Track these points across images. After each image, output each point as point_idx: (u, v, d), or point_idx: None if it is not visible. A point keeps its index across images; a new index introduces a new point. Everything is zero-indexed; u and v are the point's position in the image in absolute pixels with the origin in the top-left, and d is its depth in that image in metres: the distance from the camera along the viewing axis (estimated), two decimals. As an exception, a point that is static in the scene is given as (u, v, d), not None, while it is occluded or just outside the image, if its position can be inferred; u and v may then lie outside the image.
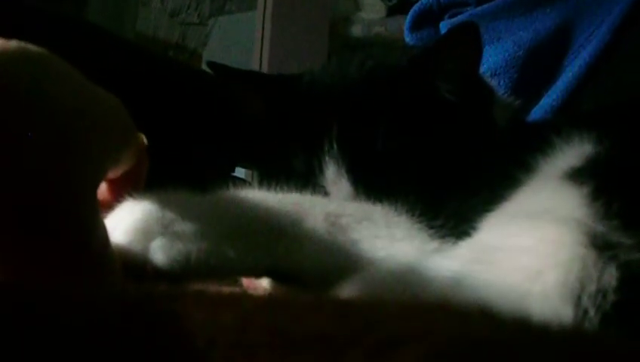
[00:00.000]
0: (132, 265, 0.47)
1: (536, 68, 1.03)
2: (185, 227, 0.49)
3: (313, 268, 0.52)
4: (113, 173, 0.51)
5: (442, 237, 0.56)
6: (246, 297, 0.42)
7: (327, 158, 0.69)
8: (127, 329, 0.29)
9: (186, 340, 0.28)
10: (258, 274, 0.50)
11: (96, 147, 0.44)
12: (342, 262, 0.53)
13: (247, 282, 0.55)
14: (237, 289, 0.48)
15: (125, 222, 0.49)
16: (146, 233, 0.49)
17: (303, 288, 0.51)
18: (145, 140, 0.55)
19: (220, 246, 0.50)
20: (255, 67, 3.05)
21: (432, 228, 0.57)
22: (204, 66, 3.20)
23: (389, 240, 0.55)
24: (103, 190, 0.53)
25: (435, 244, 0.56)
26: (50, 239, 0.40)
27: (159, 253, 0.48)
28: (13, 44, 0.41)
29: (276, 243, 0.52)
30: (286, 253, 0.52)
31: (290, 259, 0.52)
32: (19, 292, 0.31)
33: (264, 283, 0.50)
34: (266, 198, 0.57)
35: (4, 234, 0.38)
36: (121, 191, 0.53)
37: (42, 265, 0.39)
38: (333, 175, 0.69)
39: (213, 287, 0.46)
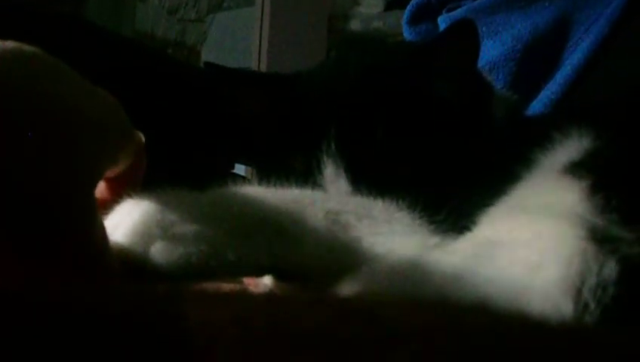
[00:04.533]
0: (131, 267, 0.47)
1: (534, 61, 1.02)
2: (184, 229, 0.49)
3: (314, 265, 0.52)
4: (111, 172, 0.51)
5: (443, 232, 0.56)
6: (246, 295, 0.42)
7: (325, 157, 0.69)
8: (127, 328, 0.29)
9: (186, 338, 0.28)
10: (259, 274, 0.50)
11: (93, 145, 0.44)
12: (342, 259, 0.53)
13: (247, 279, 0.55)
14: (237, 287, 0.48)
15: (124, 224, 0.49)
16: (146, 236, 0.49)
17: (304, 286, 0.51)
18: (143, 138, 0.54)
19: (219, 248, 0.50)
20: (254, 63, 3.05)
21: (432, 223, 0.57)
22: (202, 63, 3.21)
23: (390, 236, 0.55)
24: (101, 189, 0.53)
25: (435, 240, 0.56)
26: (47, 237, 0.40)
27: (159, 256, 0.48)
28: (8, 44, 0.41)
29: (276, 242, 0.52)
30: (286, 251, 0.52)
31: (290, 258, 0.52)
32: (16, 291, 0.31)
33: (265, 281, 0.50)
34: (266, 196, 0.56)
35: None
36: (120, 189, 0.53)
37: (38, 264, 0.39)
38: (332, 174, 0.69)
39: (212, 285, 0.46)
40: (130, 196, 0.52)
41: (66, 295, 0.31)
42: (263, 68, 3.00)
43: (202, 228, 0.50)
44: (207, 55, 3.65)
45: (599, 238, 0.46)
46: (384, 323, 0.29)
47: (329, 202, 0.58)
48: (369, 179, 0.66)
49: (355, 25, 3.53)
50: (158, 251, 0.48)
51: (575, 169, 0.54)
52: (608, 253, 0.45)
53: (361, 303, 0.35)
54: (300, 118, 0.74)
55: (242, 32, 3.42)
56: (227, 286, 0.47)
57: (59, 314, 0.29)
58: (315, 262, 0.52)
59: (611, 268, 0.45)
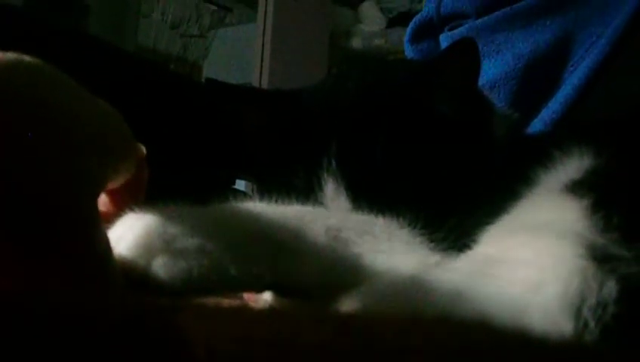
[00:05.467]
0: (134, 280, 0.47)
1: (535, 80, 1.03)
2: (186, 243, 0.49)
3: (314, 281, 0.52)
4: (113, 184, 0.51)
5: (443, 250, 0.56)
6: (246, 310, 0.42)
7: (326, 175, 0.69)
8: (128, 341, 0.29)
9: (186, 352, 0.28)
10: (260, 290, 0.50)
11: (94, 153, 0.44)
12: (343, 275, 0.53)
13: (247, 295, 0.55)
14: (237, 302, 0.48)
15: (127, 238, 0.49)
16: (148, 250, 0.49)
17: (304, 302, 0.51)
18: (144, 150, 0.55)
19: (221, 263, 0.50)
20: (255, 79, 3.06)
21: (432, 241, 0.57)
22: (204, 78, 3.21)
23: (390, 253, 0.55)
24: (104, 201, 0.53)
25: (436, 257, 0.56)
26: (48, 243, 0.40)
27: (161, 270, 0.48)
28: (8, 55, 0.42)
29: (277, 258, 0.52)
30: (287, 267, 0.52)
31: (291, 274, 0.52)
32: (19, 301, 0.31)
33: (266, 296, 0.50)
34: (267, 212, 0.57)
35: (1, 244, 0.38)
36: (122, 202, 0.53)
37: (41, 275, 0.39)
38: (332, 191, 0.69)
39: (213, 300, 0.46)
40: (132, 209, 0.52)
41: (66, 302, 0.31)
42: (265, 84, 3.01)
43: (204, 243, 0.50)
44: (209, 70, 3.66)
45: (599, 257, 0.46)
46: (384, 340, 0.29)
47: (330, 218, 0.58)
48: (369, 197, 0.66)
49: (356, 42, 3.54)
50: (160, 265, 0.48)
51: (576, 188, 0.55)
52: (608, 272, 0.45)
53: (362, 320, 0.35)
54: (301, 134, 0.74)
55: (244, 48, 3.43)
56: (227, 302, 0.47)
57: (58, 322, 0.29)
58: (316, 278, 0.52)
59: (611, 287, 0.45)
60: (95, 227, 0.43)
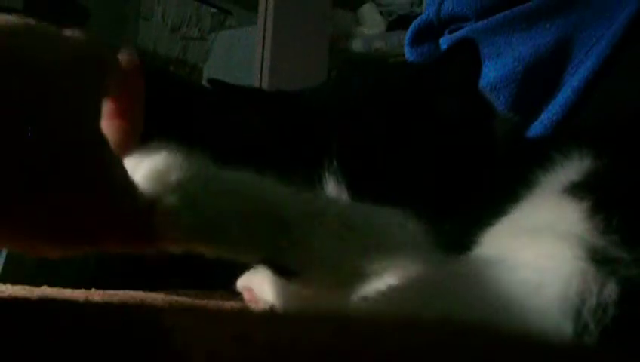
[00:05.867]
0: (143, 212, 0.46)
1: (536, 83, 1.03)
2: (199, 190, 0.48)
3: (317, 264, 0.52)
4: (109, 104, 0.51)
5: (444, 251, 0.56)
6: (247, 312, 0.42)
7: (327, 175, 0.69)
8: (128, 342, 0.29)
9: (186, 354, 0.28)
10: (256, 262, 0.49)
11: (79, 79, 0.45)
12: (344, 266, 0.53)
13: (248, 295, 0.55)
14: (238, 304, 0.48)
15: (142, 168, 0.48)
16: (161, 185, 0.47)
17: (304, 304, 0.50)
18: (136, 58, 0.54)
19: (226, 219, 0.49)
20: (255, 81, 3.06)
21: (433, 242, 0.57)
22: (204, 81, 3.21)
23: (393, 252, 0.55)
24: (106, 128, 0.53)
25: (436, 259, 0.55)
26: (68, 186, 0.40)
27: (171, 210, 0.47)
28: None
29: (281, 235, 0.51)
30: (290, 246, 0.51)
31: (293, 254, 0.51)
32: (24, 302, 0.31)
33: (264, 295, 0.50)
34: (282, 191, 0.56)
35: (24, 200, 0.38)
36: (124, 125, 0.52)
37: (67, 207, 0.40)
38: (333, 191, 0.69)
39: (214, 302, 0.46)
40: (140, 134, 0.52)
41: (67, 305, 0.31)
42: (265, 87, 3.00)
43: (215, 195, 0.49)
44: (209, 73, 3.66)
45: (599, 259, 0.47)
46: (384, 341, 0.29)
47: (342, 207, 0.58)
48: (370, 196, 0.66)
49: (356, 45, 3.54)
50: (170, 204, 0.47)
51: (575, 190, 0.55)
52: (608, 274, 0.45)
53: (362, 321, 0.35)
54: (302, 134, 0.74)
55: (244, 51, 3.42)
56: (228, 304, 0.47)
57: (58, 324, 0.29)
58: (319, 261, 0.52)
59: (611, 290, 0.45)
60: (106, 149, 0.44)
